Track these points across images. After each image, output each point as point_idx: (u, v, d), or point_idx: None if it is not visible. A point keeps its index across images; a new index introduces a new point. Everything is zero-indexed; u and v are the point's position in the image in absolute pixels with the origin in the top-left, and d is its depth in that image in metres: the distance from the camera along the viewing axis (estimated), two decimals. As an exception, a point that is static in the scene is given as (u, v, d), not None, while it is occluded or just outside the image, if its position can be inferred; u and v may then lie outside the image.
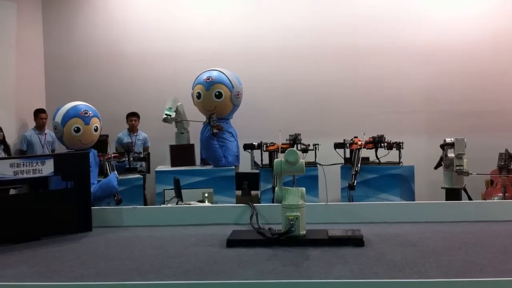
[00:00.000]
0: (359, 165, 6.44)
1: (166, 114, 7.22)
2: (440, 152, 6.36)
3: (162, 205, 4.96)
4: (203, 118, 7.28)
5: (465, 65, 8.23)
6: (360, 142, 6.69)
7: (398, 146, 6.72)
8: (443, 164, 6.26)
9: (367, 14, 8.38)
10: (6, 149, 6.96)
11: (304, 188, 2.77)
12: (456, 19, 8.30)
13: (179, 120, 7.39)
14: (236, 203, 4.56)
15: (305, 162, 2.87)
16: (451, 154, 6.12)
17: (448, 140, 6.12)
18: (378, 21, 8.35)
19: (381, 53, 8.35)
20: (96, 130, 6.52)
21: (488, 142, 7.38)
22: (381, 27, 8.35)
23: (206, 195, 4.81)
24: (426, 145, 8.04)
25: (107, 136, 7.11)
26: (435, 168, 6.41)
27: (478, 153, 6.50)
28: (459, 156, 5.95)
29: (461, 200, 6.03)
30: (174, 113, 7.27)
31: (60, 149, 7.35)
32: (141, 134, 8.00)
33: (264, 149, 6.90)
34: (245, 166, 7.29)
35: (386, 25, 8.35)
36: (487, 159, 6.73)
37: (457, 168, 5.94)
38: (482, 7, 8.30)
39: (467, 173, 5.95)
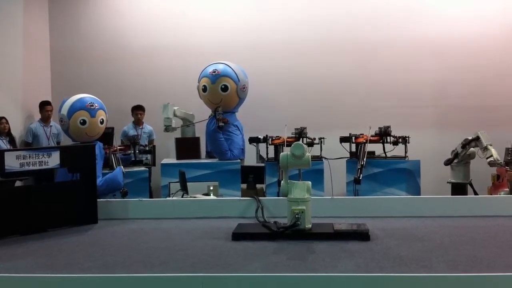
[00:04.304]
0: (365, 159, 6.41)
1: (165, 125, 7.14)
2: (450, 148, 6.31)
3: (168, 198, 4.96)
4: (209, 111, 7.27)
5: (474, 59, 8.15)
6: (365, 137, 6.66)
7: (404, 140, 6.68)
8: (456, 160, 6.21)
9: (376, 8, 8.31)
10: (12, 141, 6.98)
11: (309, 182, 2.76)
12: (466, 12, 8.21)
13: (183, 126, 7.37)
14: (242, 197, 4.56)
15: (311, 156, 2.86)
16: (471, 149, 6.10)
17: (469, 138, 6.08)
18: (386, 15, 8.27)
19: (389, 46, 8.28)
20: (102, 122, 6.53)
21: (495, 137, 7.28)
22: (390, 21, 8.27)
23: (212, 188, 4.80)
24: (432, 139, 8.00)
25: (112, 128, 7.12)
26: (447, 164, 6.35)
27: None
28: (487, 148, 5.88)
29: (467, 194, 6.01)
30: (173, 121, 7.24)
31: (66, 141, 7.36)
32: (147, 127, 7.99)
33: (270, 142, 6.89)
34: (250, 159, 7.28)
35: (395, 19, 8.27)
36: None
37: (490, 160, 5.84)
38: (492, 0, 8.22)
39: (501, 163, 5.86)
